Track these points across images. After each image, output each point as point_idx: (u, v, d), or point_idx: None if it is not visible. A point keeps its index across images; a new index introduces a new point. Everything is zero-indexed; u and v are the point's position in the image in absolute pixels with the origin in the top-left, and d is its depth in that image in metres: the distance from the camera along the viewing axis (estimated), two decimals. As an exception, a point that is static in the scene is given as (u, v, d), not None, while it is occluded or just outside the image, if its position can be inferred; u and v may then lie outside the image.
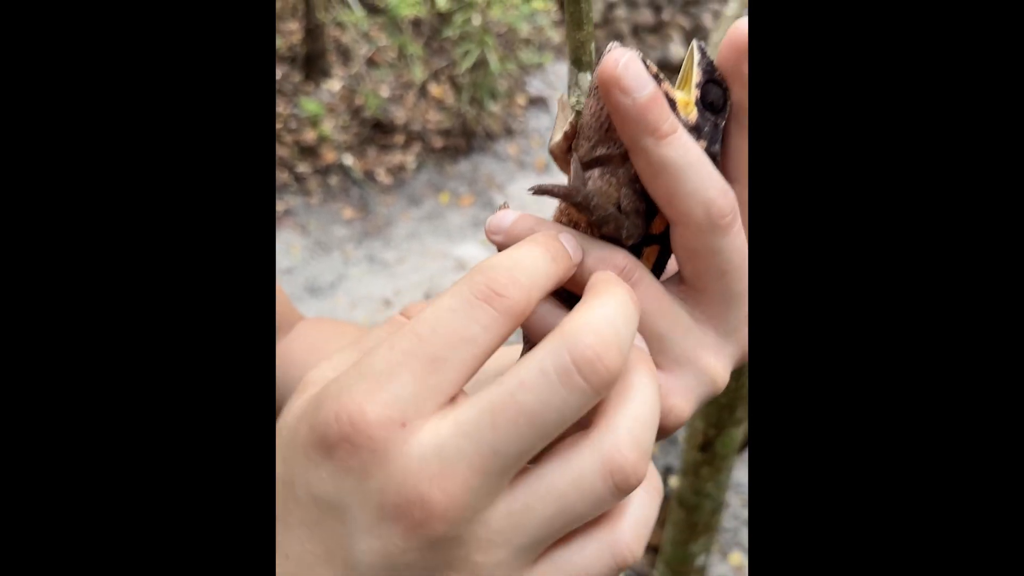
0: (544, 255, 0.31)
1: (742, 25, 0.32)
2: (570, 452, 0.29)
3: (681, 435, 1.94)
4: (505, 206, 0.36)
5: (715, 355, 0.35)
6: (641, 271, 0.34)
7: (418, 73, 4.15)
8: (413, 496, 0.27)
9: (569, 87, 0.36)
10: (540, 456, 0.29)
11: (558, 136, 0.36)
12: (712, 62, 0.34)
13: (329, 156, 3.83)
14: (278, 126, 3.83)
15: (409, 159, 3.90)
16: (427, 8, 4.27)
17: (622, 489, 0.28)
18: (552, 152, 0.37)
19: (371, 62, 4.28)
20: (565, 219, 0.36)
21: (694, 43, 0.34)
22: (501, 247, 0.34)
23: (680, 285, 0.35)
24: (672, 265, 0.37)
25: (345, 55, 4.33)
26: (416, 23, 4.38)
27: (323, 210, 3.60)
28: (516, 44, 4.35)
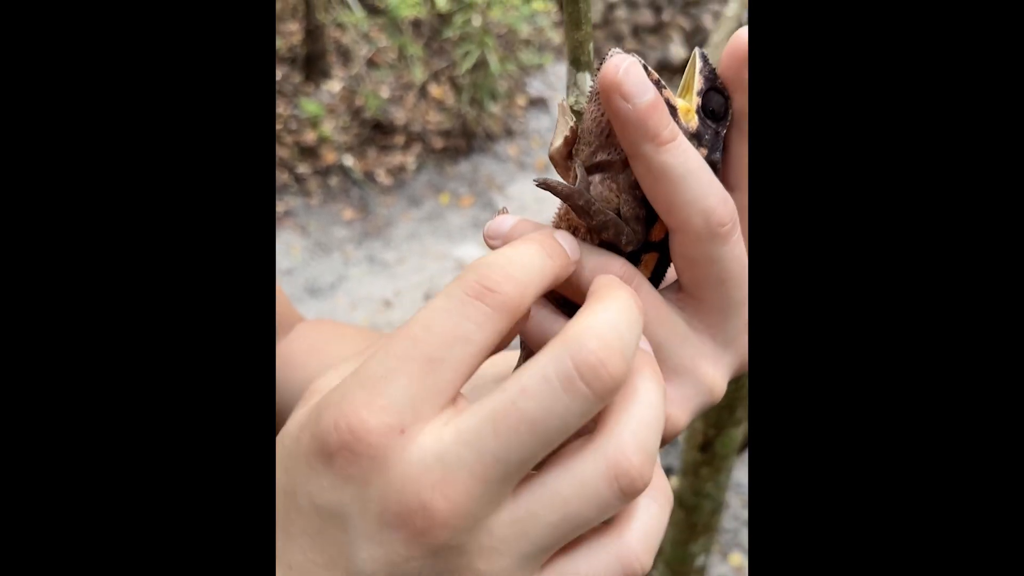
0: (539, 251, 0.31)
1: (745, 34, 0.32)
2: (574, 457, 0.28)
3: (681, 435, 1.93)
4: (504, 211, 0.36)
5: (713, 364, 0.35)
6: (639, 279, 0.34)
7: (418, 74, 4.15)
8: (415, 504, 0.26)
9: (568, 87, 0.36)
10: (544, 462, 0.28)
11: (558, 141, 0.36)
12: (714, 70, 0.34)
13: (329, 157, 3.83)
14: (278, 127, 3.83)
15: (409, 160, 3.90)
16: (427, 9, 4.27)
17: (628, 494, 0.28)
18: (552, 157, 0.37)
19: (371, 63, 4.28)
20: (564, 225, 0.36)
21: (696, 51, 0.34)
22: None
23: (678, 293, 0.35)
24: (671, 273, 0.37)
25: (345, 56, 4.32)
26: (416, 24, 4.37)
27: (323, 211, 3.60)
28: (516, 45, 4.34)
